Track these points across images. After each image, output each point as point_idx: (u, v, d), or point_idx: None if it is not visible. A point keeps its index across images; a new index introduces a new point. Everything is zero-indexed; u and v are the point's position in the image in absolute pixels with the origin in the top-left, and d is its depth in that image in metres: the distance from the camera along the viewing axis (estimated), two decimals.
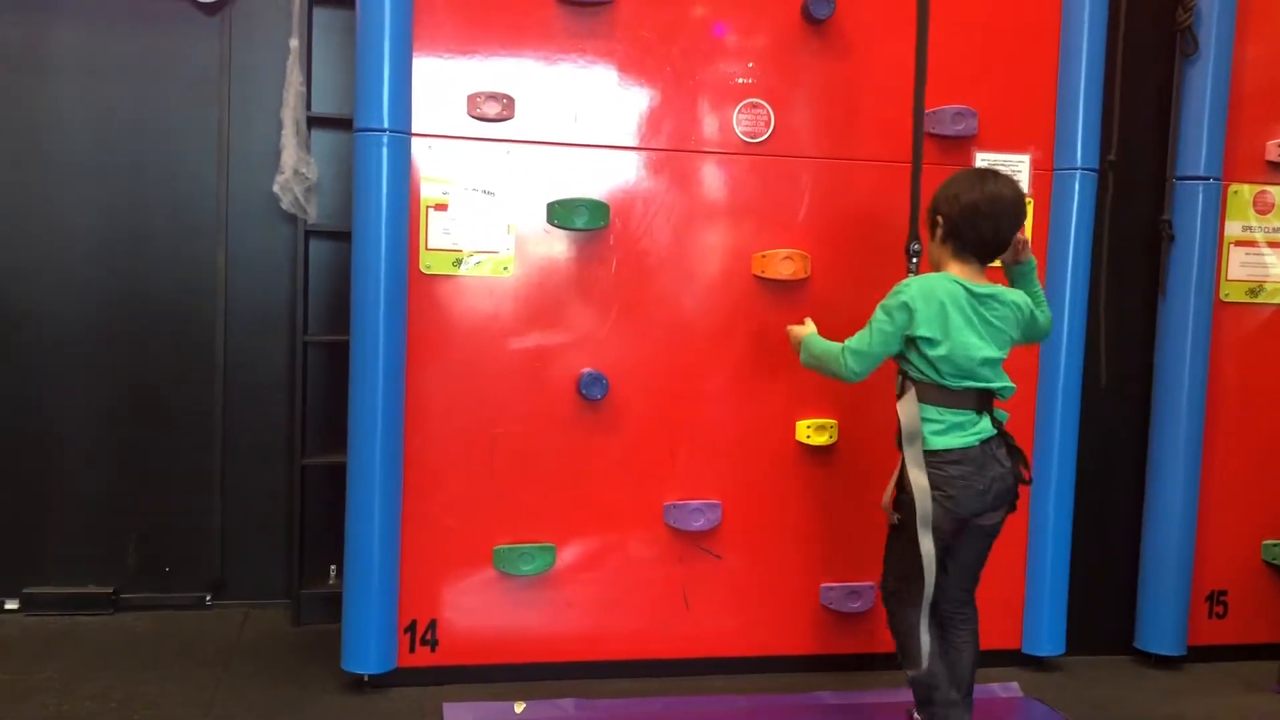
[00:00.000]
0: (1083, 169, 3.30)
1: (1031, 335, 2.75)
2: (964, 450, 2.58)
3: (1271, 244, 3.47)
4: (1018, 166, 3.30)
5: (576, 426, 3.14)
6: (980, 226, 2.57)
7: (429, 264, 3.03)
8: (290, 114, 3.50)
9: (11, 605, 3.60)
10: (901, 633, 2.72)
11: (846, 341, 2.66)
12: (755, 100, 3.17)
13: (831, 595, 3.28)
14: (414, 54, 2.98)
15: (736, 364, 3.22)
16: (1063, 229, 3.32)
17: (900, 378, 2.65)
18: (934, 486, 2.57)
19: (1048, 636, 3.39)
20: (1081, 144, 3.29)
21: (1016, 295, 2.67)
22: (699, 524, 3.17)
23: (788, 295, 3.20)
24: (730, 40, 3.14)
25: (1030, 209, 3.30)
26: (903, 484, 2.63)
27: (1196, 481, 3.42)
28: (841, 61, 3.14)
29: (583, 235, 3.10)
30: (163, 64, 3.63)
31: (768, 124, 3.18)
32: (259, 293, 3.73)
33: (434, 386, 3.06)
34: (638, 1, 3.08)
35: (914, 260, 2.84)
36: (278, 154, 3.49)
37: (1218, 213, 3.39)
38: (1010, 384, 2.65)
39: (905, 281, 2.62)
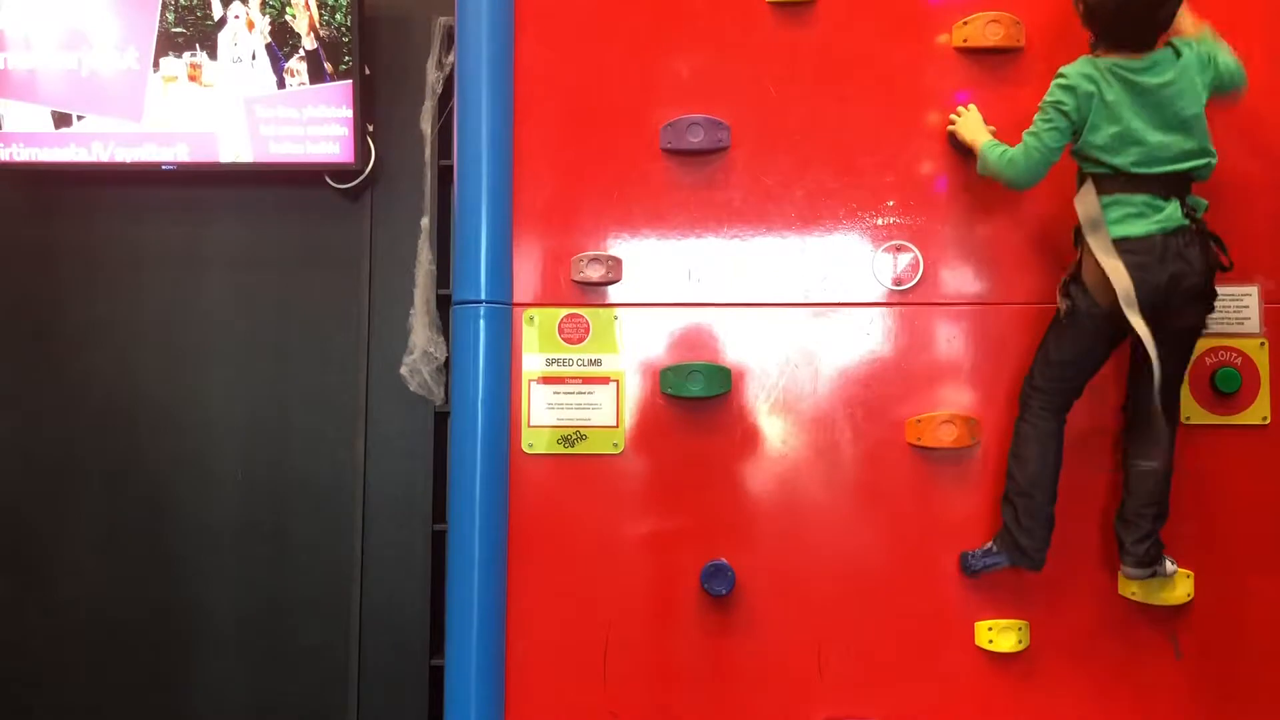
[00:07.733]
0: None
1: (1223, 84, 2.44)
2: (1142, 239, 2.38)
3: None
4: None
5: (700, 626, 2.69)
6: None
7: (531, 442, 2.75)
8: (420, 293, 3.43)
9: None
10: (1023, 433, 2.55)
11: (1015, 149, 2.48)
12: (900, 242, 2.76)
13: None
14: (514, 219, 2.78)
15: (893, 551, 2.69)
16: None
17: (1079, 174, 2.49)
18: None
19: None
20: None
21: (1185, 52, 2.41)
22: None
23: (951, 466, 2.68)
24: (866, 175, 2.77)
25: None
26: (1076, 276, 2.47)
27: None
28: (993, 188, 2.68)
29: (700, 404, 2.73)
30: (308, 250, 3.67)
31: (916, 268, 2.75)
32: (398, 479, 3.60)
33: (539, 580, 2.72)
34: (753, 147, 2.77)
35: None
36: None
37: None
38: (1205, 160, 2.41)
39: (1062, 70, 2.45)
